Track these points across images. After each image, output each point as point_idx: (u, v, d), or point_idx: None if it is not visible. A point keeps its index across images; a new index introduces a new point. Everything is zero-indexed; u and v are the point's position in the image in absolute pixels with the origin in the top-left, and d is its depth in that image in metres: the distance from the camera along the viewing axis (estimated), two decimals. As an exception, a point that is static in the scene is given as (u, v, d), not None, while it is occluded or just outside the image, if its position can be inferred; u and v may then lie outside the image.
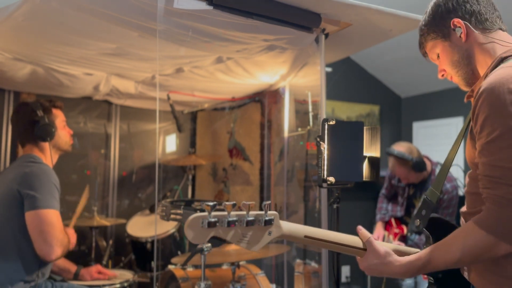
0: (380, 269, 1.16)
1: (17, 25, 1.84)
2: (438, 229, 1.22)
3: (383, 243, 1.20)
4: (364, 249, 1.18)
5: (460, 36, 1.21)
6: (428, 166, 2.99)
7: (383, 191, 3.30)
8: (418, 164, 2.88)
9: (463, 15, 1.21)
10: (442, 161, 1.26)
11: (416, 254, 1.14)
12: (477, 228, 1.03)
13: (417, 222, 1.22)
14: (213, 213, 0.95)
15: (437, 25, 1.25)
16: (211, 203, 0.94)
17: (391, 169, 3.07)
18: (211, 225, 0.94)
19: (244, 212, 0.99)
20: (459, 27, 1.21)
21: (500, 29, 1.23)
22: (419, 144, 4.53)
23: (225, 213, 0.97)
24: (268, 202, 1.01)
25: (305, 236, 1.11)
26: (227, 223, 0.96)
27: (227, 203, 0.97)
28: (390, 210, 3.19)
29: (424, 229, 1.22)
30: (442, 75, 1.32)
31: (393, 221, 3.14)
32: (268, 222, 1.00)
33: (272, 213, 1.02)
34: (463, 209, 1.26)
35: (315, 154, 1.66)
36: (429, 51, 1.32)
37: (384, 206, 3.24)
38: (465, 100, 1.31)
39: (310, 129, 2.79)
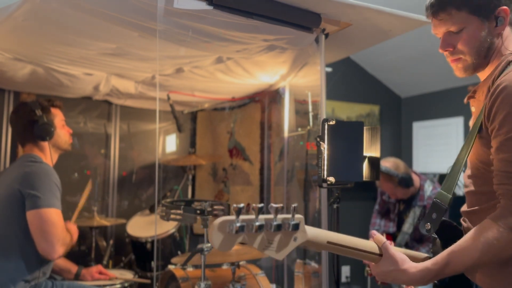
0: (395, 276, 1.11)
1: (17, 25, 1.84)
2: (446, 232, 1.19)
3: (399, 249, 1.15)
4: (380, 255, 1.13)
5: (496, 26, 1.15)
6: (416, 181, 3.01)
7: (376, 206, 3.34)
8: (404, 180, 2.90)
9: (510, 8, 1.16)
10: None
11: (432, 259, 1.10)
12: (496, 225, 1.02)
13: (428, 226, 1.17)
14: (241, 217, 0.85)
15: (484, 2, 1.15)
16: (240, 205, 0.84)
17: (379, 185, 3.09)
18: (238, 230, 0.83)
19: (272, 216, 0.89)
20: (503, 17, 1.14)
21: None
22: (419, 144, 4.53)
23: (253, 216, 0.86)
24: (295, 204, 0.92)
25: (328, 242, 1.05)
26: (255, 228, 0.86)
27: (255, 205, 0.87)
28: (383, 225, 3.22)
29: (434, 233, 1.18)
30: (446, 50, 1.22)
31: (384, 236, 3.16)
32: (295, 227, 0.92)
33: (298, 217, 0.93)
34: (464, 208, 1.25)
35: (315, 154, 1.66)
36: (451, 20, 1.18)
37: (377, 222, 3.27)
38: (465, 100, 1.29)
39: (310, 129, 2.79)
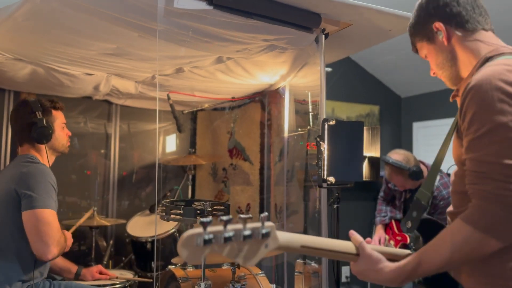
0: (370, 275, 1.13)
1: (17, 25, 1.84)
2: (430, 231, 1.20)
3: (377, 247, 1.16)
4: (357, 254, 1.14)
5: (442, 40, 1.23)
6: (425, 172, 2.97)
7: (381, 193, 3.30)
8: (415, 173, 2.86)
9: (444, 19, 1.22)
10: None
11: (405, 259, 1.11)
12: (465, 225, 1.01)
13: (408, 224, 1.20)
14: (209, 229, 0.85)
15: (421, 28, 1.27)
16: (207, 219, 0.84)
17: (387, 177, 3.05)
18: (206, 242, 0.84)
19: (241, 226, 0.89)
20: (440, 30, 1.22)
21: (483, 29, 1.22)
22: (419, 144, 4.53)
23: (221, 228, 0.87)
24: (265, 214, 0.94)
25: (302, 246, 1.05)
26: (224, 239, 0.86)
27: (222, 218, 0.87)
28: (389, 212, 3.18)
29: (415, 230, 1.21)
30: (434, 73, 1.34)
31: (394, 224, 3.13)
32: (266, 235, 0.92)
33: (269, 224, 0.94)
34: (450, 209, 1.25)
35: (315, 154, 1.66)
36: (418, 51, 1.35)
37: (384, 209, 3.23)
38: (450, 99, 1.31)
39: (310, 129, 2.79)
